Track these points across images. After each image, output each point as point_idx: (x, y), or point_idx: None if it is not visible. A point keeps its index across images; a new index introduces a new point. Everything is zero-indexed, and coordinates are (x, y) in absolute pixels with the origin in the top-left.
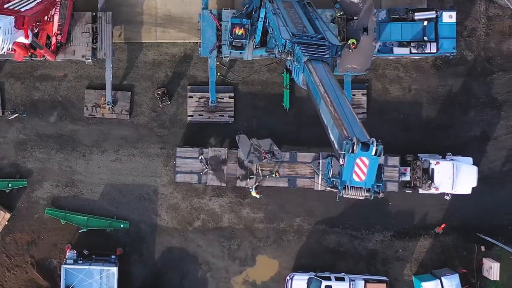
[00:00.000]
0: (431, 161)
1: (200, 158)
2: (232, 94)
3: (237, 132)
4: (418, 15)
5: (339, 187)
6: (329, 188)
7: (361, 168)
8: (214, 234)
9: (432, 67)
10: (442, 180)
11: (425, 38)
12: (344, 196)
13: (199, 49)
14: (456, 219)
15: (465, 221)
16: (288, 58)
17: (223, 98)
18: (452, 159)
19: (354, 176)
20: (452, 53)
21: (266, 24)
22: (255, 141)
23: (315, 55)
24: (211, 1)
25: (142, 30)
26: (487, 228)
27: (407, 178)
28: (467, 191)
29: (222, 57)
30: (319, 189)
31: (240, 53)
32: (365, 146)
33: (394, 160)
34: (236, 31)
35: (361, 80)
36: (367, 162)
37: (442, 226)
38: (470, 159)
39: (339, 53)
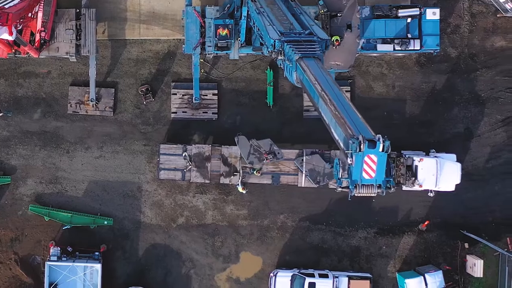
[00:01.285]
0: (414, 158)
1: (183, 155)
2: (215, 91)
3: (221, 128)
4: (401, 12)
5: (350, 187)
6: (340, 189)
7: (370, 166)
8: (197, 231)
9: (416, 64)
10: (425, 177)
11: (409, 35)
12: (356, 195)
13: (183, 46)
14: (439, 216)
15: (449, 218)
16: (279, 57)
17: (206, 95)
18: (435, 156)
19: (364, 174)
20: (436, 50)
21: (250, 23)
22: (255, 142)
23: (306, 52)
24: None
25: (126, 27)
26: (470, 225)
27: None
28: (451, 188)
29: (205, 54)
30: (303, 186)
31: (226, 52)
32: (372, 143)
33: None
34: (220, 32)
35: (344, 77)
36: (375, 159)
37: (426, 223)
38: (453, 156)
39: (329, 47)
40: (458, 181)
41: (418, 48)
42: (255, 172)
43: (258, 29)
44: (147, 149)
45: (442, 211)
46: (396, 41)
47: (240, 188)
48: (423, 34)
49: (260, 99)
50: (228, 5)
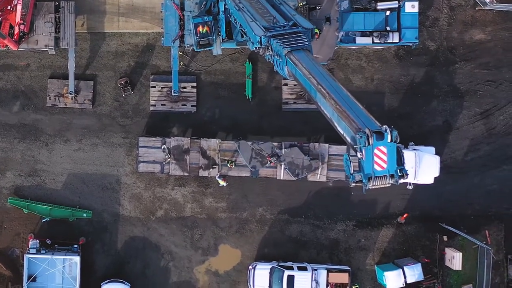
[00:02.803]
0: None
1: (162, 147)
2: (194, 84)
3: (200, 121)
4: (380, 5)
5: (364, 181)
6: (354, 184)
7: (380, 157)
8: (176, 224)
9: (395, 57)
10: None
11: (388, 28)
12: (370, 188)
13: (162, 38)
14: (418, 208)
15: (428, 210)
16: (267, 53)
17: (185, 88)
18: (414, 149)
19: (376, 167)
20: (415, 43)
21: (229, 16)
22: (256, 146)
23: (295, 45)
24: None
25: (105, 20)
26: (449, 218)
27: None
28: (430, 180)
29: (184, 47)
30: (281, 179)
31: (210, 49)
32: (380, 135)
33: None
34: (201, 30)
35: None
36: (385, 150)
37: (405, 215)
38: (432, 149)
39: (315, 36)
40: (437, 174)
41: (397, 41)
42: (228, 164)
43: (241, 26)
44: (126, 141)
45: (421, 204)
46: (375, 34)
47: (220, 181)
48: (402, 27)
49: (239, 92)
50: (205, 2)
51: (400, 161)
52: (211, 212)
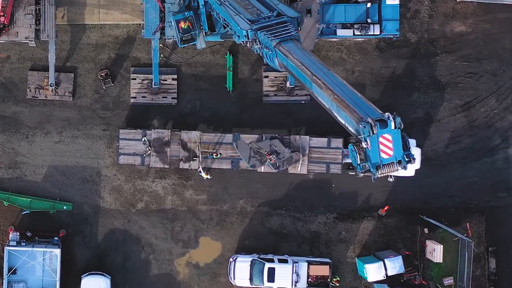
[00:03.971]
0: None
1: (143, 140)
2: (175, 76)
3: (181, 113)
4: None
5: (372, 170)
6: (362, 174)
7: (386, 145)
8: (157, 216)
9: (376, 49)
10: None
11: (369, 20)
12: (379, 176)
13: (142, 31)
14: (399, 201)
15: (408, 203)
16: (255, 46)
17: (166, 80)
18: None
19: (383, 155)
20: (396, 35)
21: (210, 10)
22: (254, 145)
23: (283, 36)
24: None
25: (85, 12)
26: (430, 210)
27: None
28: (411, 173)
29: (165, 39)
30: (262, 171)
31: (194, 43)
32: (383, 123)
33: (337, 142)
34: (182, 26)
35: None
36: (390, 137)
37: (386, 208)
38: (413, 141)
39: (301, 23)
40: (418, 166)
41: (378, 33)
42: (211, 155)
43: (225, 20)
44: (107, 134)
45: (401, 196)
46: (355, 26)
47: (203, 174)
48: (382, 19)
49: (219, 84)
50: (183, 0)
51: (406, 146)
52: (191, 205)
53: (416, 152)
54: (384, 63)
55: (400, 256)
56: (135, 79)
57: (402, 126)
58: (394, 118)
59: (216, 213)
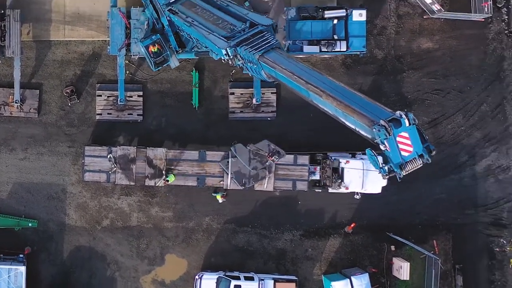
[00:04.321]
0: (341, 160)
1: (108, 157)
2: (141, 93)
3: (147, 130)
4: (328, 13)
5: (397, 170)
6: (387, 176)
7: (405, 143)
8: (122, 233)
9: (342, 66)
10: (352, 179)
11: (335, 37)
12: (404, 174)
13: (108, 47)
14: (366, 218)
15: (375, 220)
16: (237, 62)
17: (132, 97)
18: (362, 158)
19: (403, 153)
20: (362, 51)
21: (175, 28)
22: (253, 147)
23: (264, 47)
24: (119, 0)
25: (51, 28)
26: (397, 228)
27: (317, 177)
28: (377, 190)
29: (131, 55)
30: (228, 188)
31: (168, 64)
32: (396, 122)
33: (304, 159)
34: (152, 50)
35: None
36: (406, 134)
37: (352, 225)
38: (380, 158)
39: (277, 30)
40: (384, 183)
41: (345, 49)
42: (168, 177)
43: (198, 40)
44: (72, 151)
45: (368, 214)
46: (322, 42)
47: (219, 198)
48: (349, 36)
49: (185, 101)
50: (147, 22)
51: (423, 139)
52: (157, 222)
53: None
54: (351, 80)
55: (367, 273)
56: (100, 95)
57: (417, 121)
58: (406, 115)
59: (182, 230)
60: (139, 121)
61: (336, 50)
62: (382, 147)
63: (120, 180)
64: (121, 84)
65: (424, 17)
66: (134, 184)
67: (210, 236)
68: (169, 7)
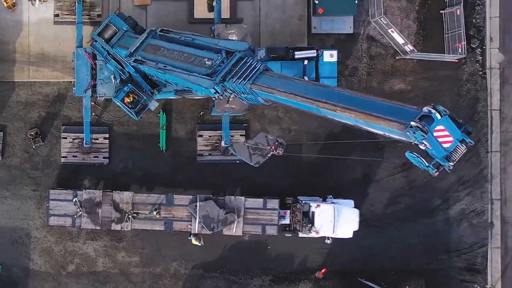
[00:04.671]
0: (311, 204)
1: (74, 200)
2: (107, 135)
3: (113, 173)
4: (298, 54)
5: (444, 164)
6: (437, 173)
7: (443, 135)
8: (88, 279)
9: None
10: (322, 224)
11: (306, 78)
12: (453, 164)
13: (73, 88)
14: (337, 263)
15: (346, 265)
16: (228, 95)
17: (98, 139)
18: (333, 202)
19: (445, 145)
20: None
21: (143, 71)
22: (251, 142)
23: (252, 75)
24: (85, 39)
25: (15, 69)
26: (369, 273)
27: (287, 221)
28: (349, 234)
29: (97, 97)
30: (196, 232)
31: (149, 108)
32: (427, 118)
33: (273, 203)
34: (128, 101)
35: (239, 121)
36: (442, 127)
37: (323, 270)
38: (351, 202)
39: (256, 50)
40: (356, 227)
41: None
42: (155, 214)
43: (177, 84)
44: (37, 194)
45: (339, 259)
46: None
47: (193, 240)
48: (320, 77)
49: (152, 143)
50: (112, 76)
51: (459, 124)
52: (123, 267)
53: (354, 213)
54: (322, 122)
55: None
56: (65, 138)
57: (448, 111)
58: (435, 109)
59: (149, 276)
60: (105, 164)
61: None
62: (421, 146)
63: (85, 224)
64: (86, 126)
65: (397, 58)
66: (100, 228)
67: (177, 282)
68: (133, 58)
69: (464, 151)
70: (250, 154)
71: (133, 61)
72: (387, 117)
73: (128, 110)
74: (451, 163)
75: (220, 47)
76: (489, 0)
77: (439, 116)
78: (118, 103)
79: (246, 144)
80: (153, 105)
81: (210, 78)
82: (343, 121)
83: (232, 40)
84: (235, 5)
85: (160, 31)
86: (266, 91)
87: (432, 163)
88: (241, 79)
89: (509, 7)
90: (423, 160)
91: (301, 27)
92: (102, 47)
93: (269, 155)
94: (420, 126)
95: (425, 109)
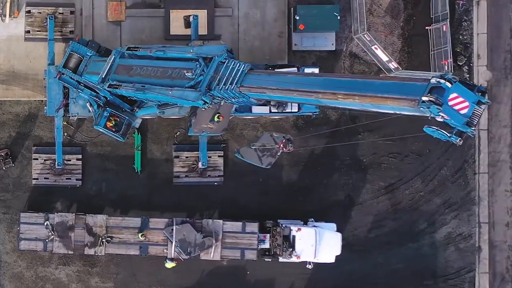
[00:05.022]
0: (292, 228)
1: (45, 224)
2: (80, 156)
3: (86, 196)
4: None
5: (467, 130)
6: (461, 141)
7: (458, 103)
8: None
9: (294, 127)
10: (303, 248)
11: None
12: (475, 128)
13: (45, 107)
14: None
15: None
16: (221, 104)
17: (70, 160)
18: (314, 226)
19: (462, 111)
20: (315, 112)
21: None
22: (257, 144)
23: (238, 78)
24: (58, 57)
25: None
26: None
27: (267, 245)
28: (331, 259)
29: (69, 116)
30: (172, 257)
31: (133, 126)
32: (438, 89)
33: (253, 227)
34: (111, 124)
35: (218, 141)
36: (455, 94)
37: None
38: (333, 226)
39: (232, 50)
40: (338, 252)
41: (296, 110)
42: (140, 237)
43: (160, 101)
44: (7, 217)
45: (321, 284)
46: (272, 103)
47: (170, 264)
48: None
49: (127, 165)
50: (88, 104)
51: (471, 86)
52: None
53: (336, 237)
54: (303, 142)
55: None
56: (37, 159)
57: (457, 78)
58: (445, 78)
59: None
60: (78, 186)
61: (287, 111)
62: (439, 119)
63: (57, 248)
64: (58, 147)
65: (381, 75)
66: (72, 253)
67: None
68: (107, 83)
69: (482, 112)
70: (259, 157)
71: (108, 87)
72: (395, 96)
73: (113, 134)
74: (474, 128)
75: (197, 55)
76: (476, 16)
77: (449, 85)
78: (101, 130)
79: (253, 147)
80: (137, 122)
81: (195, 89)
82: (346, 107)
83: (207, 45)
84: (213, 21)
85: (127, 50)
86: (257, 92)
87: (454, 132)
88: (228, 84)
89: (497, 23)
90: (444, 132)
91: (281, 44)
92: (71, 77)
93: (278, 154)
94: (434, 99)
95: (433, 80)
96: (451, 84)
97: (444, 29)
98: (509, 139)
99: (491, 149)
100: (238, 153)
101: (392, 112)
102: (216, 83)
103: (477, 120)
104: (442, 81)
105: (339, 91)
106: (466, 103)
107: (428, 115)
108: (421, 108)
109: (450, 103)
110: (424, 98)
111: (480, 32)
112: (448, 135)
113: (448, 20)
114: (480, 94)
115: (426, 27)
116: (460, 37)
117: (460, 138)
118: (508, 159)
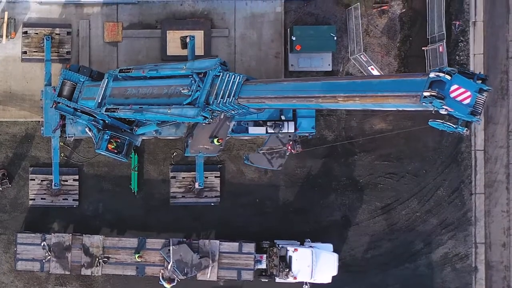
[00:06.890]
0: (288, 248)
1: (42, 244)
2: (76, 177)
3: (83, 216)
4: None
5: (471, 119)
6: (467, 132)
7: (460, 94)
8: None
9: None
10: (300, 268)
11: (283, 117)
12: (479, 117)
13: (42, 128)
14: None
15: None
16: (221, 117)
17: (67, 181)
18: (311, 246)
19: (466, 101)
20: (311, 133)
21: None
22: (265, 148)
23: (235, 90)
24: (54, 78)
25: None
26: None
27: (263, 266)
28: (327, 280)
29: (66, 137)
30: (169, 277)
31: (135, 145)
32: (438, 83)
33: (249, 247)
34: (113, 146)
35: (214, 162)
36: (455, 86)
37: None
38: (330, 246)
39: (226, 62)
40: (335, 272)
41: (293, 131)
42: (136, 257)
43: (160, 121)
44: (4, 238)
45: None
46: (269, 123)
47: (165, 284)
48: (297, 116)
49: (123, 185)
50: (87, 129)
51: (471, 75)
52: None
53: (332, 258)
54: (299, 163)
55: None
56: (34, 179)
57: (456, 70)
58: (443, 71)
59: None
60: (74, 206)
61: (283, 131)
62: (442, 112)
63: (54, 269)
64: (55, 167)
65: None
66: (69, 273)
67: None
68: (104, 107)
69: (485, 100)
70: (269, 160)
71: (105, 111)
72: (395, 94)
73: (116, 156)
74: (478, 117)
75: (190, 71)
76: (473, 37)
77: (449, 77)
78: (103, 153)
79: (261, 151)
80: (139, 141)
81: (193, 106)
82: (351, 108)
83: (199, 60)
84: (210, 42)
85: (120, 72)
86: (255, 102)
87: (459, 123)
88: (225, 97)
89: (494, 44)
90: (450, 123)
91: (278, 65)
92: (67, 105)
93: (287, 154)
94: (435, 94)
95: (432, 75)
96: (451, 76)
97: (441, 49)
98: (506, 160)
99: (488, 170)
100: (247, 159)
101: (393, 109)
102: (213, 97)
103: (481, 107)
104: (441, 74)
105: (339, 94)
106: (468, 93)
107: (431, 109)
108: (424, 104)
109: (452, 95)
110: (425, 94)
111: (476, 53)
112: (454, 126)
113: (444, 40)
114: (480, 81)
115: (423, 48)
116: (457, 57)
117: (466, 128)
118: (505, 180)
